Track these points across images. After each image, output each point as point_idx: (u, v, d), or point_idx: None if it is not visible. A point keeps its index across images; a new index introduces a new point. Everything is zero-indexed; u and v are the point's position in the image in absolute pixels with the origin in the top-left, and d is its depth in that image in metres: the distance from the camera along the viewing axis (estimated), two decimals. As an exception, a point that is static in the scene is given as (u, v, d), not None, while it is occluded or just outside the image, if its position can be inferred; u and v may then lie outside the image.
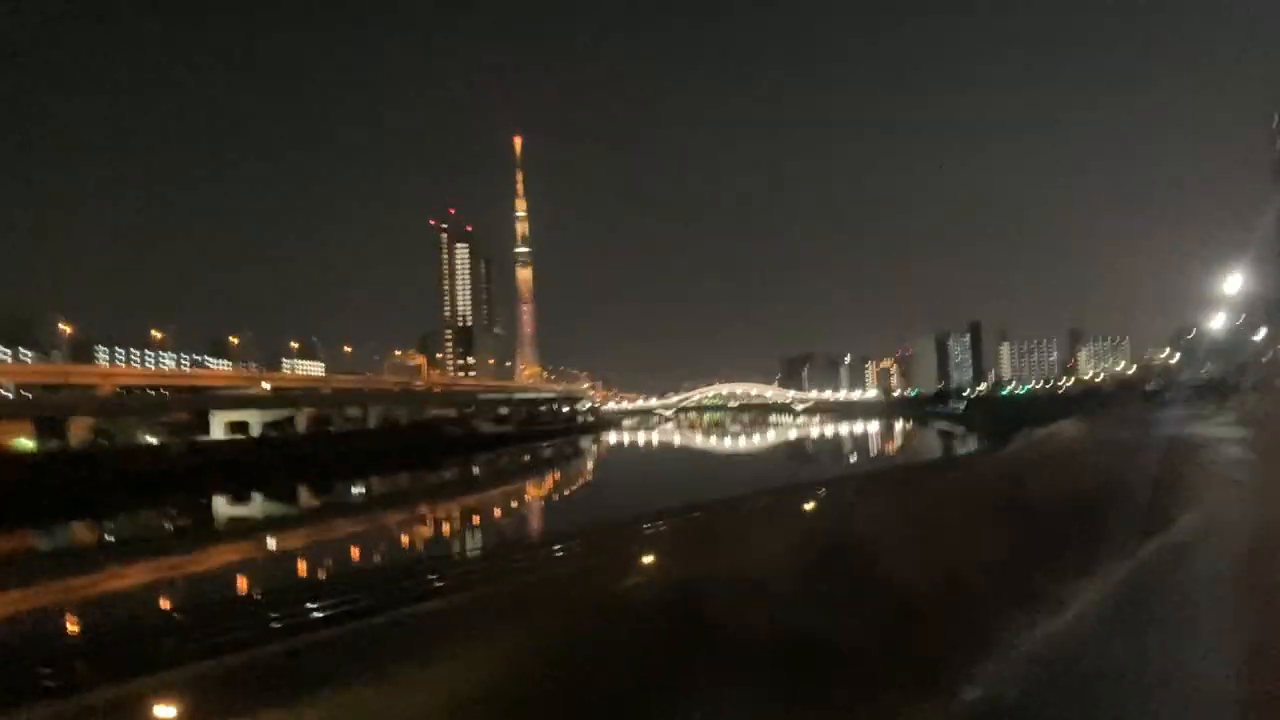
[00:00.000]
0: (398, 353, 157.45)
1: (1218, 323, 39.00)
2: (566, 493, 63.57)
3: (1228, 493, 15.04)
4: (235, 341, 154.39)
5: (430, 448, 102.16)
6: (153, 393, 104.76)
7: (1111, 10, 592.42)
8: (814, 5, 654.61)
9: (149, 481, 67.86)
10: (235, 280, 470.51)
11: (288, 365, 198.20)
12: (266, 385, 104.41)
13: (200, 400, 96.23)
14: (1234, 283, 31.06)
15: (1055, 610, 8.26)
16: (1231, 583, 9.19)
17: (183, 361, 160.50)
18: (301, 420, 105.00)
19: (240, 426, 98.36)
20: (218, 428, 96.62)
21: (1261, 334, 50.55)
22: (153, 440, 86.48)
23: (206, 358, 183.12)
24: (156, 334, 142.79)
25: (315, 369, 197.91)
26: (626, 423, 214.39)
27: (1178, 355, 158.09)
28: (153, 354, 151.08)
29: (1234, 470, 17.91)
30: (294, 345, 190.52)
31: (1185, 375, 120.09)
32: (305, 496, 67.94)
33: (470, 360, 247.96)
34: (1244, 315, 37.95)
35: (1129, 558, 9.92)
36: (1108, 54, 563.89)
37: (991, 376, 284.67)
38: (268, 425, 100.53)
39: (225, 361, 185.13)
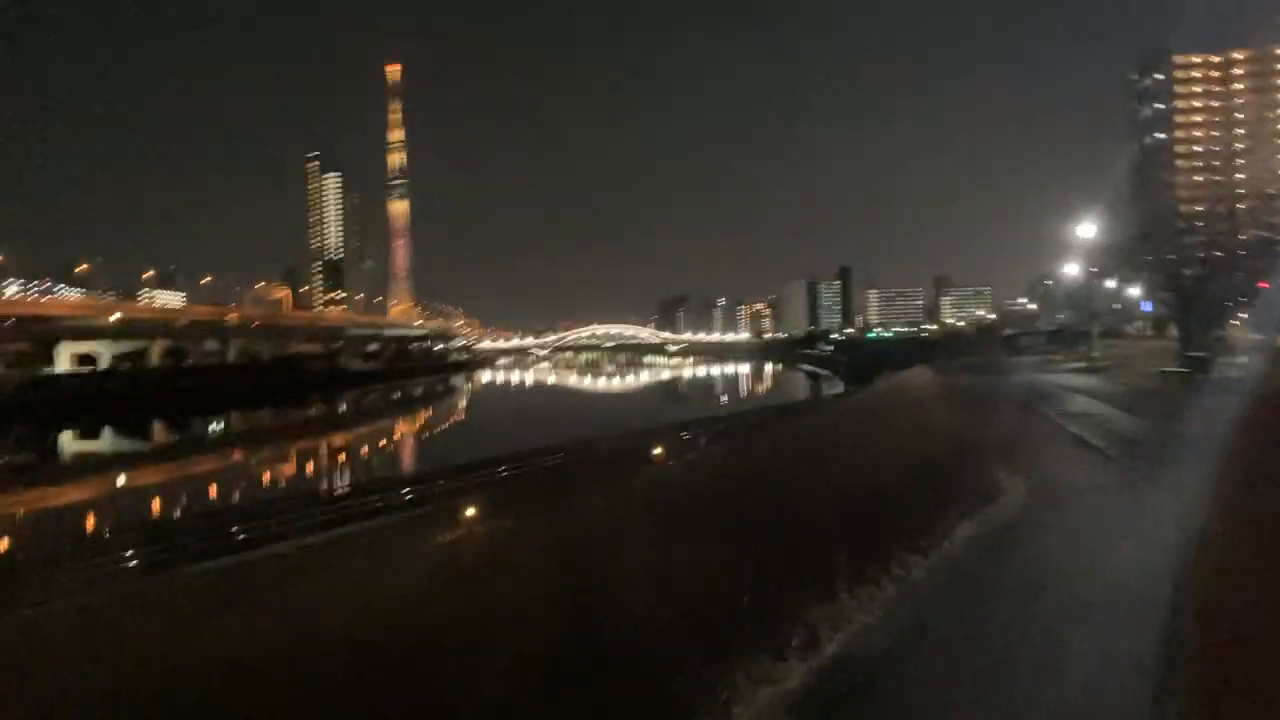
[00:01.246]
0: (260, 284, 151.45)
1: (1070, 270, 40.41)
2: (426, 434, 62.30)
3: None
4: (84, 268, 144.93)
5: (292, 384, 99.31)
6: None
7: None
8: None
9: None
10: (90, 205, 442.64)
11: (146, 296, 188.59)
12: (116, 315, 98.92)
13: (42, 330, 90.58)
14: (1085, 230, 32.02)
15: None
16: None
17: (30, 289, 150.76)
18: (155, 353, 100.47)
19: (88, 359, 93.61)
20: (64, 360, 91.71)
21: (1112, 282, 52.71)
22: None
23: (61, 286, 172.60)
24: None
25: (175, 300, 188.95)
26: (502, 362, 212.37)
27: (1034, 304, 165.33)
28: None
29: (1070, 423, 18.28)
30: (147, 274, 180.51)
31: (1040, 322, 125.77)
32: (154, 433, 65.30)
33: (340, 295, 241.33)
34: (1096, 265, 39.43)
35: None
36: (973, 19, 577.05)
37: (859, 321, 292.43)
38: (118, 358, 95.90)
39: (79, 290, 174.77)
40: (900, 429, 16.52)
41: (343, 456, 45.61)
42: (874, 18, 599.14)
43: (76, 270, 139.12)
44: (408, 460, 43.69)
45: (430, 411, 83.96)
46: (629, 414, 55.48)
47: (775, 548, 7.63)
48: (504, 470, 22.33)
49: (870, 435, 15.95)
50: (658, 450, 21.58)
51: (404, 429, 65.42)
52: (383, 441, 54.81)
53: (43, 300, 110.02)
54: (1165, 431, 13.83)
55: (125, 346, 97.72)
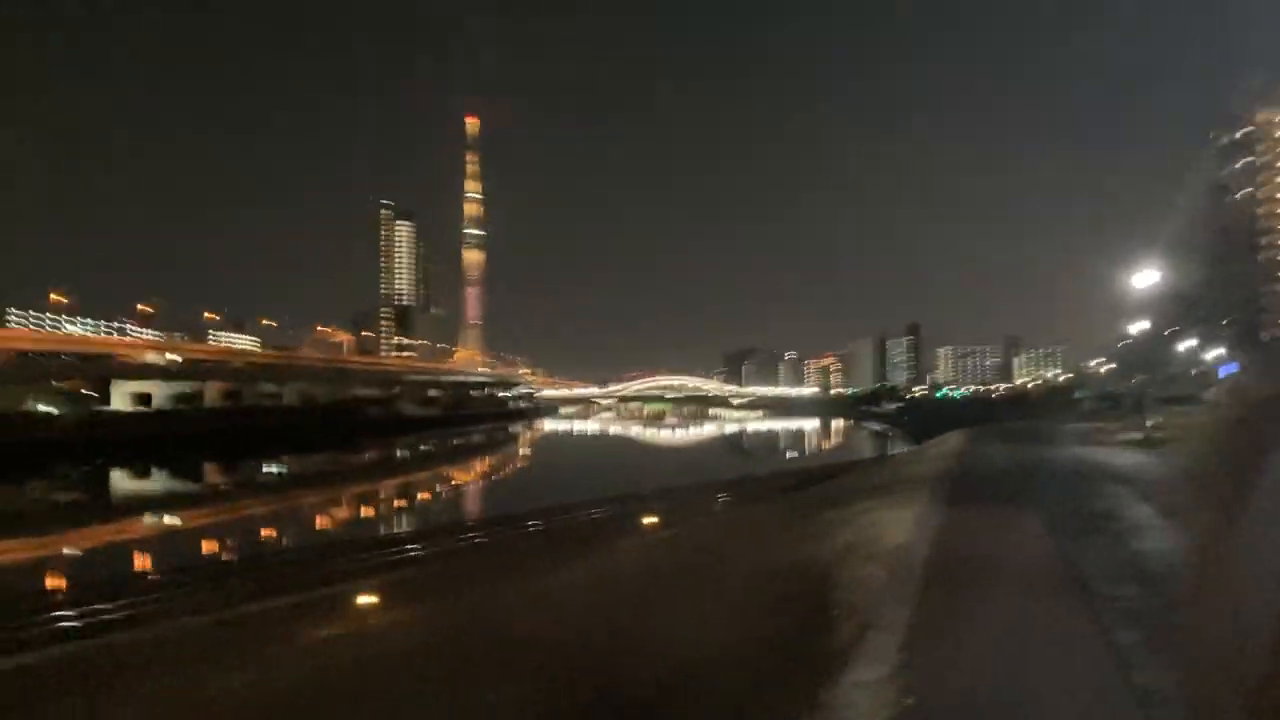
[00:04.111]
0: (320, 328, 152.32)
1: (1139, 329, 37.16)
2: (455, 486, 60.31)
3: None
4: (150, 308, 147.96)
5: (347, 428, 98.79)
6: (53, 359, 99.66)
7: (1050, 41, 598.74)
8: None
9: (31, 451, 64.34)
10: (167, 247, 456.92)
11: (215, 338, 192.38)
12: (172, 355, 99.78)
13: (99, 368, 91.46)
14: (1145, 279, 28.81)
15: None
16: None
17: (105, 329, 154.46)
18: (211, 393, 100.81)
19: (144, 398, 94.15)
20: (119, 398, 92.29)
21: (1191, 343, 48.96)
22: (47, 409, 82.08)
23: (129, 325, 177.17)
24: (59, 298, 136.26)
25: (247, 342, 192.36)
26: (565, 410, 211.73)
27: (1112, 364, 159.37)
28: (57, 319, 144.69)
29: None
30: (209, 316, 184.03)
31: (1114, 385, 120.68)
32: (203, 474, 64.64)
33: (406, 340, 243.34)
34: (1172, 322, 36.08)
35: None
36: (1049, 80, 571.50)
37: (930, 379, 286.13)
38: (174, 398, 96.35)
39: (151, 331, 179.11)
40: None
41: (347, 512, 43.29)
42: (949, 75, 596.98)
43: (140, 309, 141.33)
44: (411, 517, 41.33)
45: (477, 460, 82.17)
46: (672, 469, 53.25)
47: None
48: (477, 536, 20.30)
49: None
50: (653, 519, 19.40)
51: (436, 479, 63.60)
52: (403, 494, 52.78)
53: (101, 338, 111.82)
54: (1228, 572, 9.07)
55: (181, 387, 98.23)
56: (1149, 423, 30.73)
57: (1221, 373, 65.16)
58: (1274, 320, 25.82)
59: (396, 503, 47.86)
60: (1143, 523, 11.81)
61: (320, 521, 37.69)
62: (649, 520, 19.17)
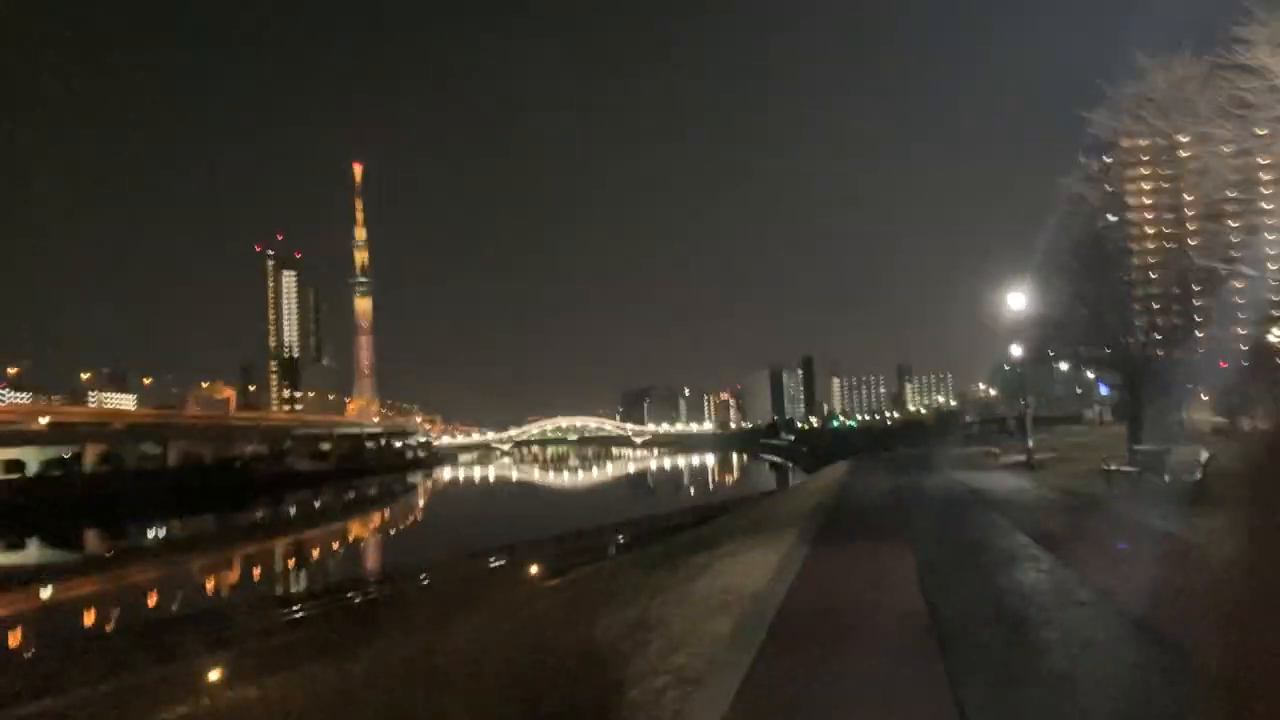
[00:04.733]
0: (204, 384, 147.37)
1: (1014, 352, 38.36)
2: (337, 543, 58.76)
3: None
4: (15, 370, 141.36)
5: (237, 487, 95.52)
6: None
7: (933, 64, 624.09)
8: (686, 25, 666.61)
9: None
10: (47, 308, 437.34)
11: (96, 399, 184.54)
12: (45, 419, 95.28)
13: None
14: (1015, 302, 29.88)
15: None
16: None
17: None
18: (89, 457, 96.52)
19: (16, 465, 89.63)
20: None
21: (1064, 364, 50.86)
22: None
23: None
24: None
25: (127, 401, 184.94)
26: (464, 458, 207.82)
27: (994, 389, 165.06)
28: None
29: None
30: (86, 375, 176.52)
31: (1002, 408, 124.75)
32: (82, 541, 61.80)
33: (296, 394, 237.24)
34: (1048, 347, 37.25)
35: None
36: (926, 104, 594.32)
37: (825, 409, 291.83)
38: (48, 463, 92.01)
39: (21, 395, 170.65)
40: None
41: (211, 581, 41.28)
42: (835, 98, 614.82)
43: (9, 371, 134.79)
44: (277, 582, 39.83)
45: (366, 516, 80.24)
46: (565, 513, 52.74)
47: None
48: (354, 597, 19.89)
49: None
50: (534, 569, 19.32)
51: (318, 537, 61.82)
52: (273, 556, 50.97)
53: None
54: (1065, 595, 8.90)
55: (55, 452, 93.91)
56: (1030, 444, 31.75)
57: (1102, 391, 67.70)
58: (1143, 341, 27.19)
59: (253, 570, 45.95)
60: (1015, 553, 11.90)
61: (172, 594, 35.95)
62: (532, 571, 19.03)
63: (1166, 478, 18.39)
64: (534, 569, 19.92)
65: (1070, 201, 35.73)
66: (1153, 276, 32.47)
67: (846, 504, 21.81)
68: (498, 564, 23.18)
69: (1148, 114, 26.02)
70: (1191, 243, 34.96)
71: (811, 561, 11.96)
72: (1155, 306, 30.65)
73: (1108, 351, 29.34)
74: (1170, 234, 40.98)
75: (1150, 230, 44.13)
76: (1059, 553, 11.46)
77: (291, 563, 48.17)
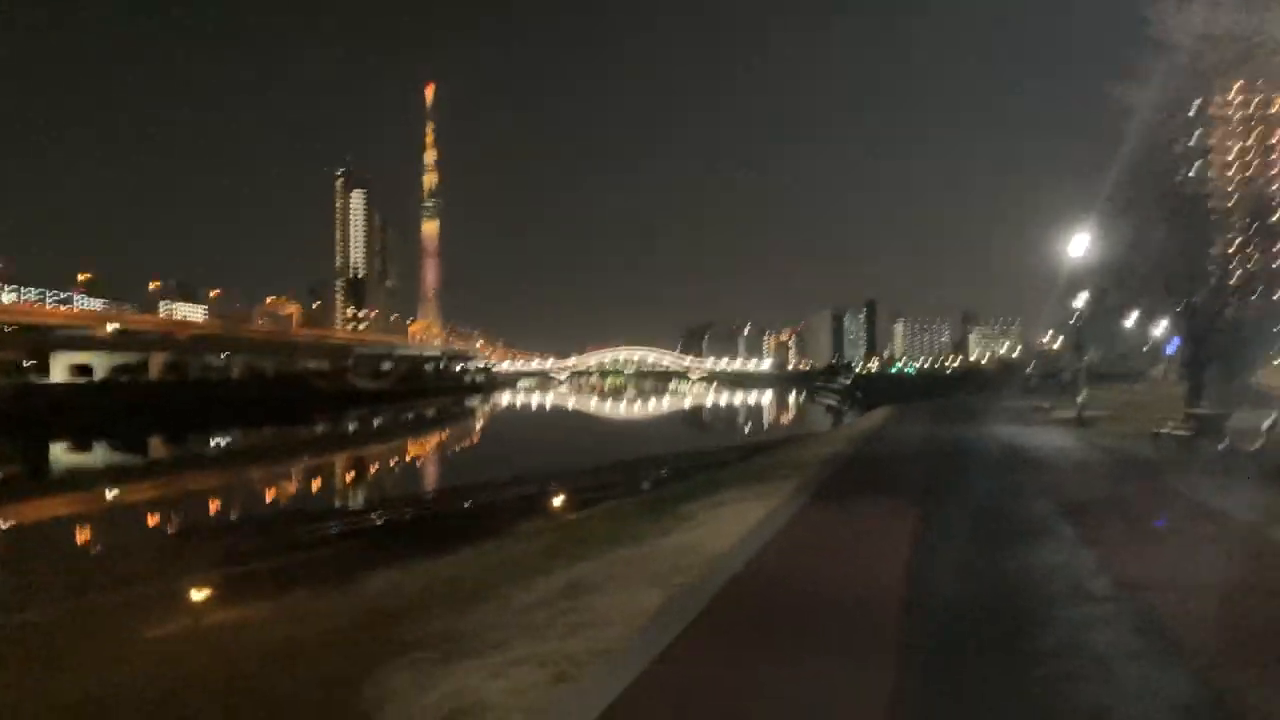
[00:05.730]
0: (270, 299, 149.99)
1: (1083, 303, 36.45)
2: (396, 461, 59.12)
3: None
4: (87, 276, 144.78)
5: (297, 401, 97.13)
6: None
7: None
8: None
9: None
10: (124, 220, 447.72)
11: (166, 309, 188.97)
12: (113, 326, 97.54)
13: (37, 339, 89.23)
14: (1077, 247, 28.09)
15: None
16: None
17: (51, 298, 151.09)
18: (155, 366, 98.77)
19: (85, 370, 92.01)
20: (60, 370, 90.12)
21: (1132, 318, 48.12)
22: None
23: (75, 294, 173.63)
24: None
25: (197, 313, 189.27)
26: (522, 384, 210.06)
27: (1060, 339, 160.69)
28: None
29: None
30: (154, 285, 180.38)
31: (1067, 361, 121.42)
32: (145, 447, 63.31)
33: (360, 314, 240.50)
34: (1118, 297, 34.91)
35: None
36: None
37: (885, 353, 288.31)
38: (116, 370, 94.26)
39: (98, 301, 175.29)
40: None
41: (273, 490, 41.89)
42: (908, 50, 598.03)
43: (80, 278, 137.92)
44: (329, 497, 40.15)
45: (423, 435, 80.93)
46: (614, 445, 52.48)
47: None
48: (378, 518, 19.86)
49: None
50: (562, 501, 19.11)
51: (380, 453, 62.43)
52: (334, 470, 51.49)
53: (39, 307, 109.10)
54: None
55: (123, 358, 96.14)
56: (1079, 399, 30.59)
57: (1168, 349, 65.09)
58: (1213, 293, 24.75)
59: (308, 483, 46.48)
60: (1033, 526, 10.37)
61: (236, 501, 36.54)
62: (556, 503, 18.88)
63: (1222, 444, 17.26)
64: (561, 501, 19.68)
65: (1134, 126, 30.86)
66: (1229, 220, 28.81)
67: (868, 453, 20.91)
68: (532, 493, 22.98)
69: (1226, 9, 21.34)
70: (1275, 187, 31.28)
71: (798, 521, 10.81)
72: (1229, 253, 27.89)
73: (1174, 304, 27.61)
74: (1253, 169, 35.95)
75: (1230, 161, 37.90)
76: (1083, 528, 10.04)
77: (349, 478, 48.73)
